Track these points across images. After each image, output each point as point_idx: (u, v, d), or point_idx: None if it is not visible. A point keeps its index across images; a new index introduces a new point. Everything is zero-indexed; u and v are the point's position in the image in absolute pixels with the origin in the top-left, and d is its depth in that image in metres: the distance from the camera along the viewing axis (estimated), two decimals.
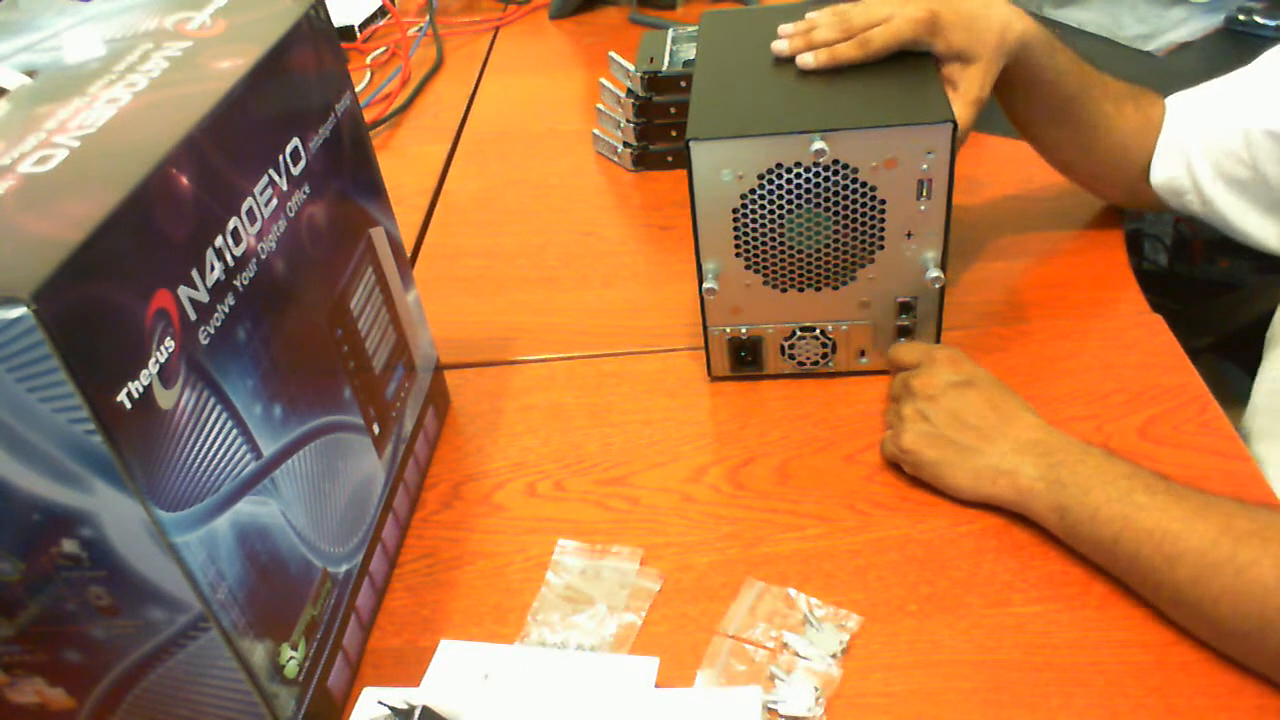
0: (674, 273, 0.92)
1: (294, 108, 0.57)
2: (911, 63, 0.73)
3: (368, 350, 0.65)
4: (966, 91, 0.72)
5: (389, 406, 0.68)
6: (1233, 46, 1.16)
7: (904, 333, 0.75)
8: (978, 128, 0.73)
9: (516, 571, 0.67)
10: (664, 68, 1.01)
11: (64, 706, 0.52)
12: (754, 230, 0.71)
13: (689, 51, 1.04)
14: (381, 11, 1.46)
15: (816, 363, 0.78)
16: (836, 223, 0.70)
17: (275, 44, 0.55)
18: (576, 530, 0.69)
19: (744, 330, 0.76)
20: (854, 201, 0.69)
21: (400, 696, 0.56)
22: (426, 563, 0.68)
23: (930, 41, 0.72)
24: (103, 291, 0.41)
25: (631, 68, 1.02)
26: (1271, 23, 1.14)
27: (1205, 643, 0.56)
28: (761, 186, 0.69)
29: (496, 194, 1.08)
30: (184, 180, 0.46)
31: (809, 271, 0.73)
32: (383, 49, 1.40)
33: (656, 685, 0.57)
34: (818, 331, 0.76)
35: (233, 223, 0.50)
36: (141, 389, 0.42)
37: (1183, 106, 0.80)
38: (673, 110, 1.03)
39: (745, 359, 0.78)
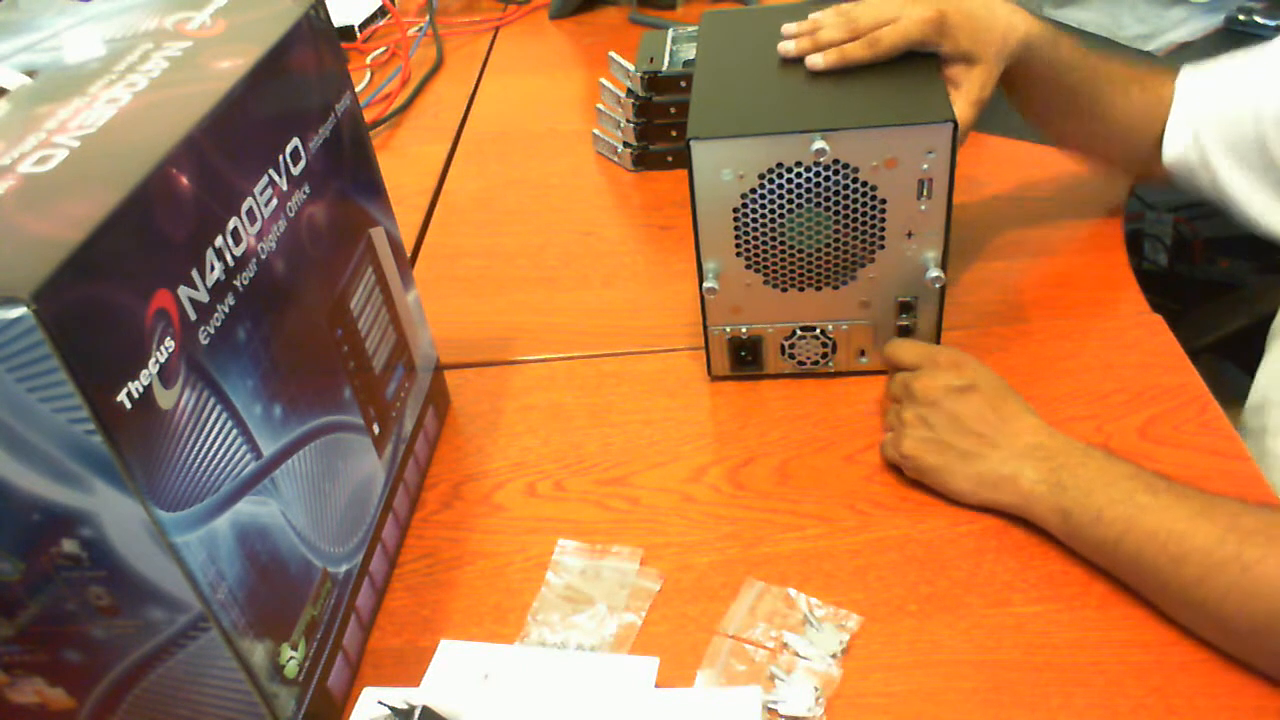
0: (674, 273, 0.92)
1: (294, 108, 0.57)
2: (912, 62, 0.73)
3: (368, 350, 0.65)
4: (969, 92, 0.72)
5: (389, 406, 0.68)
6: (1233, 46, 1.15)
7: (904, 333, 0.75)
8: (978, 127, 0.74)
9: (516, 571, 0.67)
10: (664, 68, 1.01)
11: (64, 706, 0.52)
12: (754, 229, 0.71)
13: (689, 51, 1.04)
14: (381, 11, 1.46)
15: (816, 362, 0.78)
16: (837, 222, 0.70)
17: (275, 44, 0.55)
18: (576, 530, 0.69)
19: (744, 330, 0.76)
20: (854, 201, 0.69)
21: (400, 696, 0.56)
22: (426, 563, 0.68)
23: (938, 41, 0.72)
24: (103, 291, 0.41)
25: (631, 68, 1.02)
26: (1271, 22, 1.14)
27: (1210, 643, 0.56)
28: (762, 186, 0.69)
29: (496, 194, 1.08)
30: (184, 180, 0.46)
31: (809, 271, 0.73)
32: (383, 49, 1.40)
33: (656, 685, 0.57)
34: (818, 331, 0.76)
35: (233, 223, 0.50)
36: (141, 389, 0.42)
37: (1195, 83, 0.80)
38: (673, 110, 1.03)
39: (745, 358, 0.78)
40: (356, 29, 1.42)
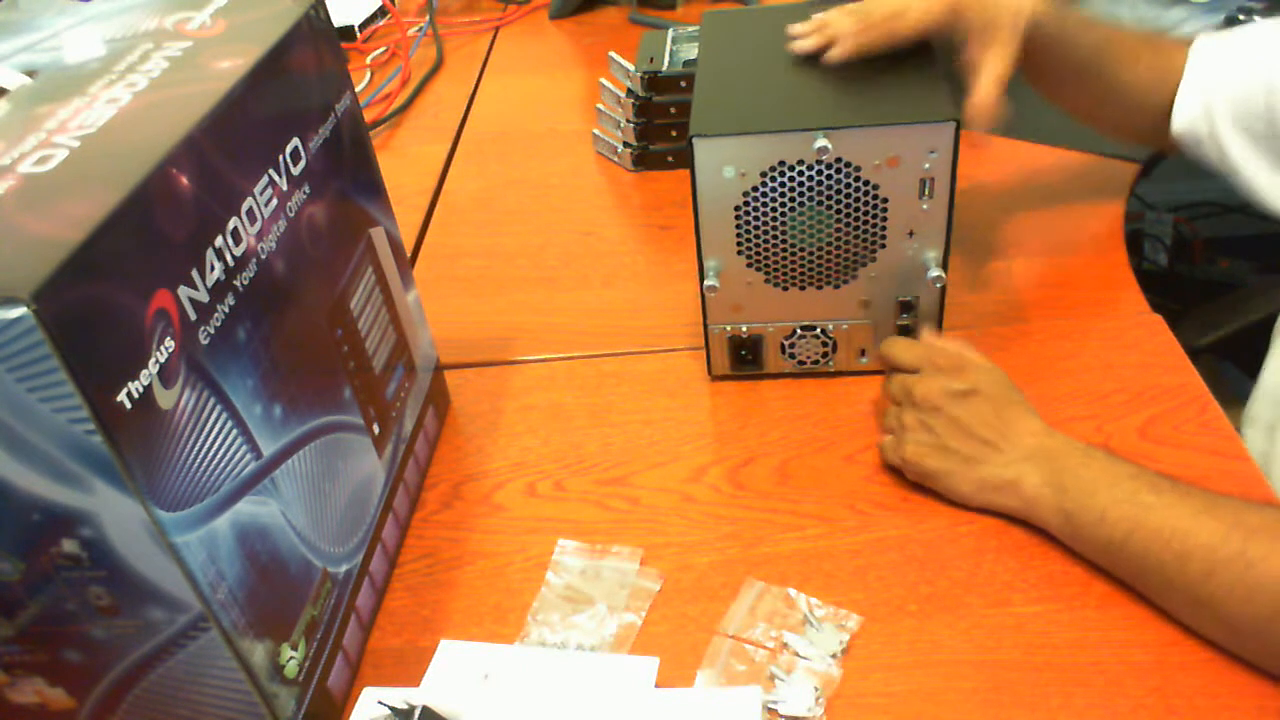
0: (674, 272, 0.92)
1: (294, 108, 0.57)
2: (914, 61, 0.73)
3: (368, 350, 0.65)
4: (991, 70, 0.72)
5: (389, 406, 0.68)
6: None
7: (904, 332, 0.75)
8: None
9: (516, 571, 0.67)
10: (664, 68, 1.01)
11: (64, 706, 0.52)
12: (756, 228, 0.71)
13: (689, 51, 1.04)
14: (381, 11, 1.46)
15: (817, 362, 0.78)
16: (838, 221, 0.70)
17: (275, 44, 0.55)
18: (576, 530, 0.69)
19: (744, 329, 0.76)
20: (856, 200, 0.69)
21: (400, 696, 0.56)
22: (426, 563, 0.68)
23: (952, 27, 0.72)
24: (103, 291, 0.41)
25: (631, 68, 1.02)
26: None
27: (1212, 642, 0.56)
28: (764, 184, 0.69)
29: (496, 194, 1.08)
30: (184, 180, 0.46)
31: (810, 270, 0.73)
32: (383, 49, 1.40)
33: (656, 685, 0.57)
34: (818, 330, 0.76)
35: (233, 223, 0.50)
36: (141, 389, 0.42)
37: (1208, 53, 0.79)
38: (673, 110, 1.03)
39: (746, 358, 0.78)
40: (356, 29, 1.42)
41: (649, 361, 0.82)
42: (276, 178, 0.54)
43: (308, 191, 0.58)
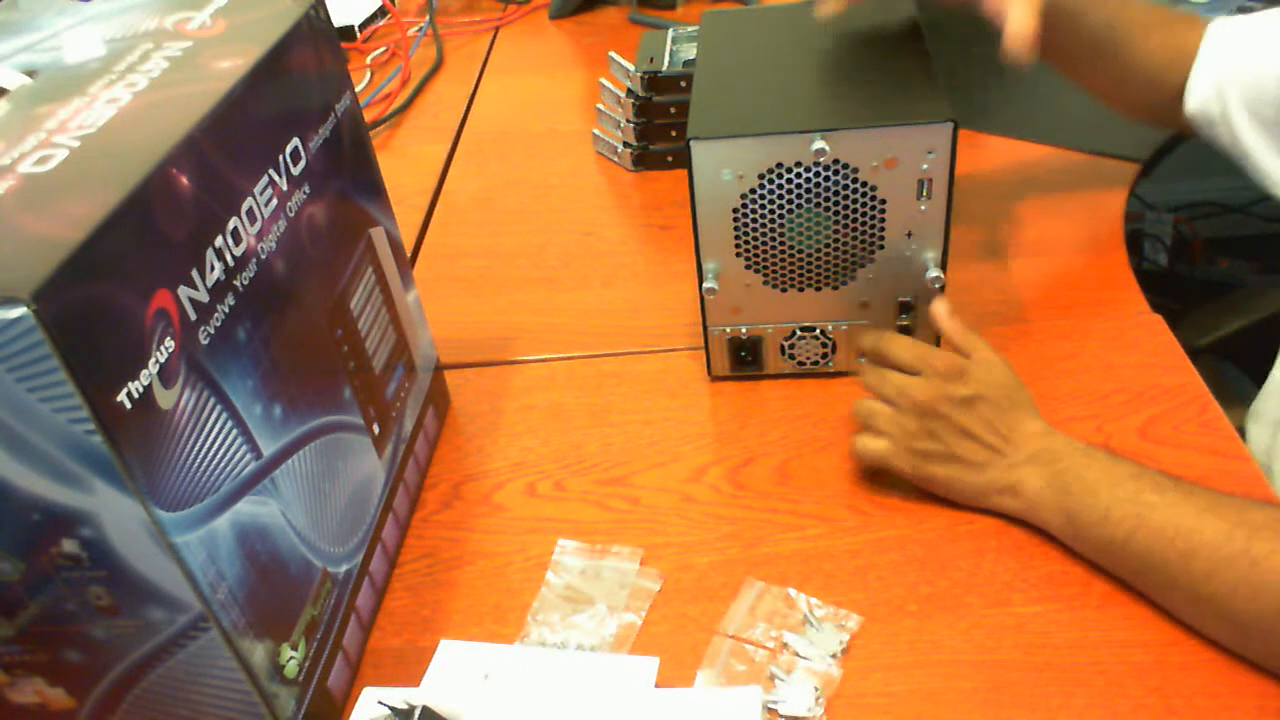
0: (674, 273, 0.92)
1: (294, 108, 0.57)
2: (912, 61, 0.73)
3: (368, 350, 0.65)
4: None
5: (389, 406, 0.68)
6: None
7: (904, 332, 0.75)
8: (977, 128, 0.74)
9: (516, 571, 0.67)
10: (664, 68, 1.01)
11: (64, 706, 0.52)
12: (754, 230, 0.71)
13: (689, 51, 1.04)
14: (381, 11, 1.46)
15: (816, 363, 0.78)
16: (837, 222, 0.70)
17: (275, 44, 0.55)
18: (576, 530, 0.69)
19: (744, 330, 0.76)
20: (854, 201, 0.69)
21: (400, 696, 0.56)
22: (426, 563, 0.68)
23: None
24: (103, 291, 0.41)
25: (631, 68, 1.02)
26: None
27: (1214, 641, 0.56)
28: (762, 186, 0.69)
29: (496, 194, 1.08)
30: (184, 180, 0.46)
31: (809, 271, 0.73)
32: (383, 49, 1.40)
33: (656, 685, 0.57)
34: (818, 331, 0.76)
35: (233, 223, 0.50)
36: (141, 389, 0.42)
37: (1225, 36, 0.79)
38: (673, 110, 1.03)
39: (745, 359, 0.78)
40: (356, 29, 1.42)
41: (649, 361, 0.82)
42: (276, 178, 0.54)
43: (308, 191, 0.58)
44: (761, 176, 0.68)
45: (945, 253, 0.71)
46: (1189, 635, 0.57)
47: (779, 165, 0.68)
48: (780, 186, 0.69)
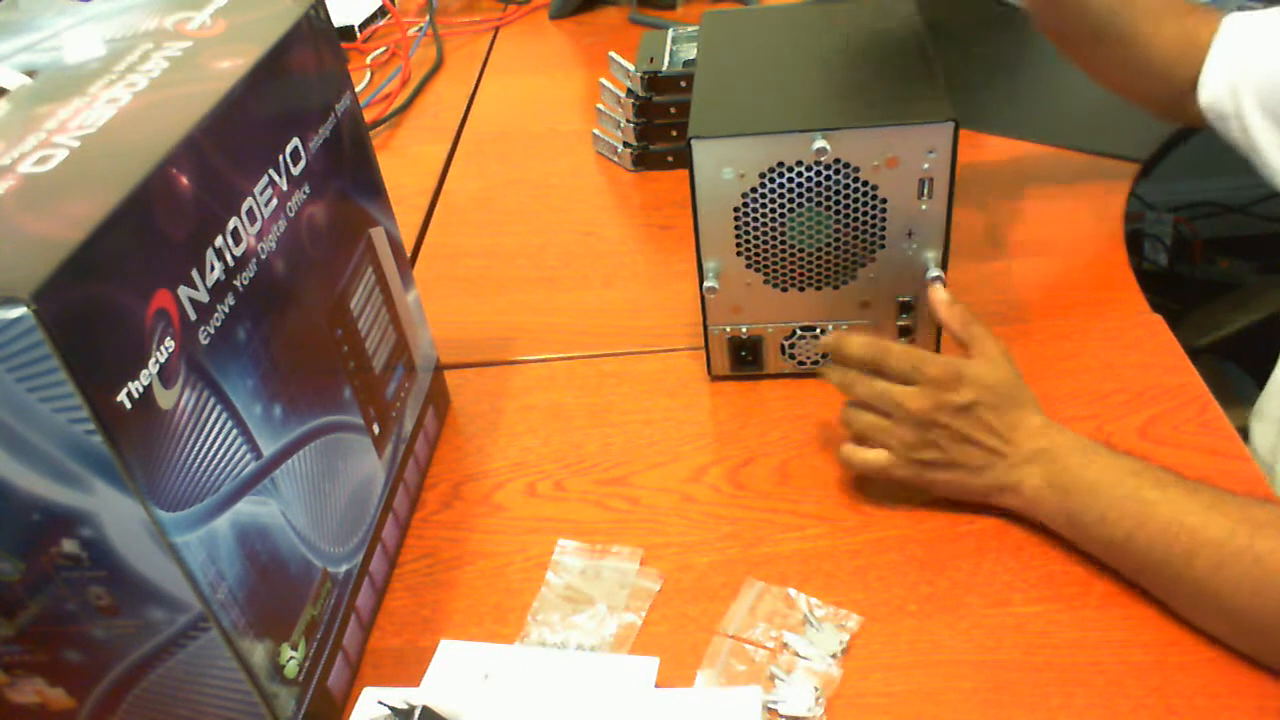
0: (674, 273, 0.92)
1: (294, 108, 0.57)
2: (913, 61, 0.73)
3: (368, 350, 0.65)
4: None
5: (389, 406, 0.68)
6: None
7: (904, 333, 0.75)
8: (977, 127, 0.73)
9: (516, 571, 0.67)
10: (664, 68, 1.01)
11: (64, 706, 0.52)
12: (755, 229, 0.71)
13: (689, 51, 1.04)
14: (381, 11, 1.46)
15: (816, 362, 0.78)
16: (837, 222, 0.70)
17: (275, 44, 0.55)
18: (576, 530, 0.69)
19: (744, 329, 0.76)
20: (855, 200, 0.69)
21: (400, 696, 0.56)
22: (426, 563, 0.68)
23: None
24: (103, 291, 0.41)
25: (631, 68, 1.02)
26: None
27: (1220, 638, 0.56)
28: (763, 185, 0.69)
29: (496, 194, 1.08)
30: (184, 180, 0.46)
31: (810, 270, 0.73)
32: (383, 49, 1.40)
33: (656, 685, 0.57)
34: (818, 331, 0.76)
35: (233, 223, 0.50)
36: (141, 389, 0.42)
37: (1239, 30, 0.78)
38: (673, 110, 1.03)
39: (745, 358, 0.78)
40: (356, 29, 1.42)
41: (649, 361, 0.82)
42: (276, 178, 0.54)
43: (308, 191, 0.58)
44: (762, 176, 0.68)
45: (946, 252, 0.71)
46: (1189, 635, 0.57)
47: (780, 164, 0.68)
48: (781, 186, 0.69)
